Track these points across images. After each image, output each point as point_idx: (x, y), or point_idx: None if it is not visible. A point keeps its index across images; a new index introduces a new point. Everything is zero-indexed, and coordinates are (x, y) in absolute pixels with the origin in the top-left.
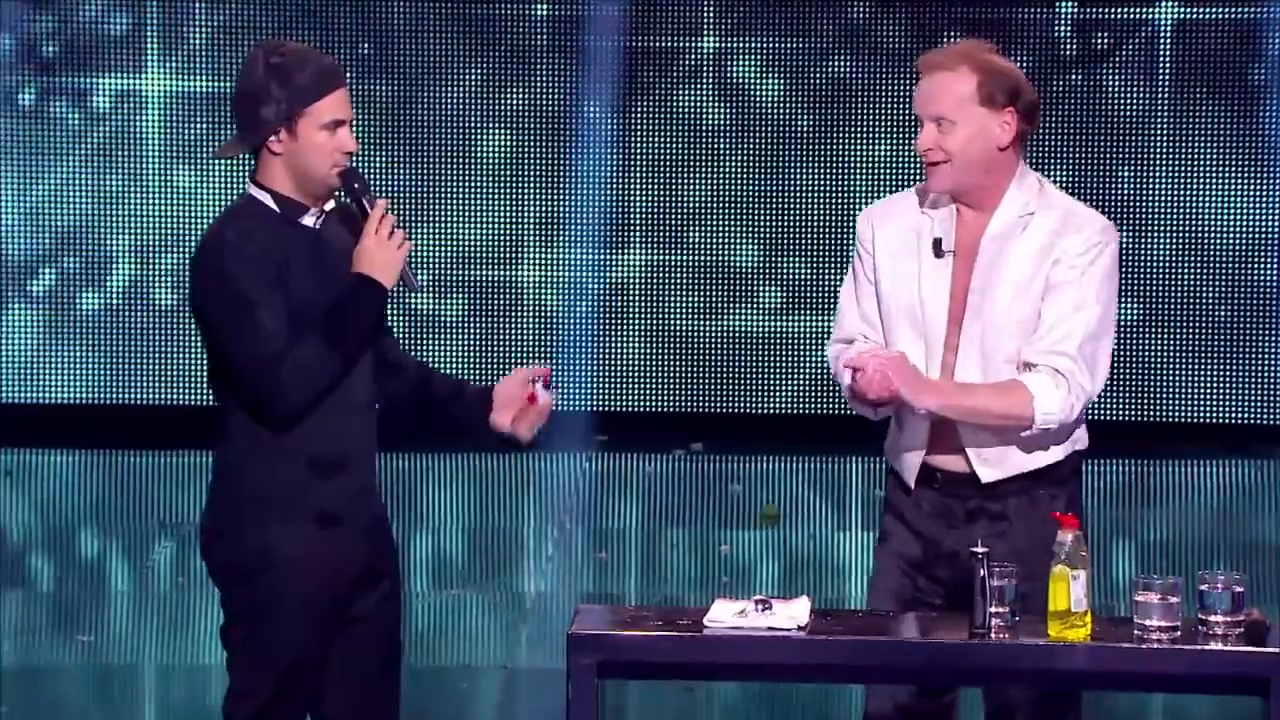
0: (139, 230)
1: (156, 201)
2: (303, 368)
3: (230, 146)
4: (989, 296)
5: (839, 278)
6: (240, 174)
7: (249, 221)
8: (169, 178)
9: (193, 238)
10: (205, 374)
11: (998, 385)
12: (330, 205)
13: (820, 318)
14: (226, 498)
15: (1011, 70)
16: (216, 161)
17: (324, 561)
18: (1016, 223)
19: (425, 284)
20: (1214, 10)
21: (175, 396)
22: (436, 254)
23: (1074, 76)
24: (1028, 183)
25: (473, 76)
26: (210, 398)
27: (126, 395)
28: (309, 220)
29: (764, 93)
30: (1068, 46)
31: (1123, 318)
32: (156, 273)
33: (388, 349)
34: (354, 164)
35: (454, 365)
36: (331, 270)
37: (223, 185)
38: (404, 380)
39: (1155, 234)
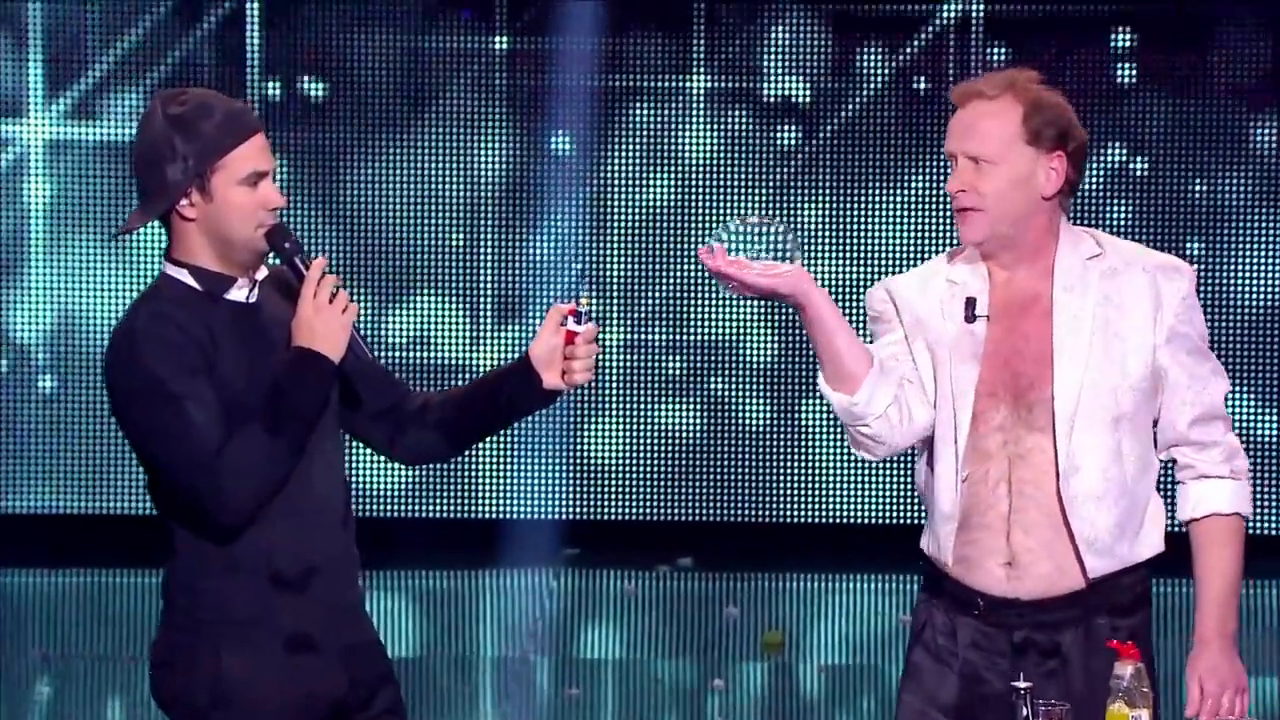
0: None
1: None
2: (244, 464)
3: (134, 219)
4: (1083, 355)
5: None
6: (123, 245)
7: (164, 304)
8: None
9: (65, 324)
10: (98, 480)
11: (1222, 553)
12: (263, 273)
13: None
14: (177, 623)
15: (1062, 106)
16: (93, 234)
17: (291, 694)
18: (1083, 267)
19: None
20: None
21: (57, 504)
22: (382, 333)
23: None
24: (1076, 233)
25: (420, 125)
26: (103, 505)
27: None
28: (238, 294)
29: (767, 143)
30: (1125, 79)
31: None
32: (35, 364)
33: (405, 400)
34: (282, 220)
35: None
36: (269, 348)
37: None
38: (433, 419)
39: (1236, 315)
